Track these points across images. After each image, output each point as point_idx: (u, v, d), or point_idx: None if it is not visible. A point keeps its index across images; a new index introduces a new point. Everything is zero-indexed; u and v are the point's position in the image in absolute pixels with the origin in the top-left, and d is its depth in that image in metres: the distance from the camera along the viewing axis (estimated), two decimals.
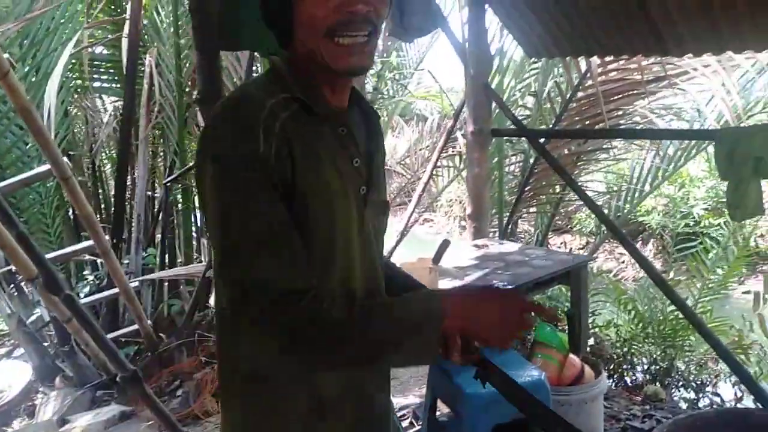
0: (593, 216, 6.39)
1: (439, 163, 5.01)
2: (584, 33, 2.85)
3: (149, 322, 3.18)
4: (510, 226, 4.67)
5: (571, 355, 2.19)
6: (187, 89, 3.94)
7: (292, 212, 0.82)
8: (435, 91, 7.80)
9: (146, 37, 4.08)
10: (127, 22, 3.67)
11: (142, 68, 3.95)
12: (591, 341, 3.54)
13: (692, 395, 3.43)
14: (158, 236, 4.35)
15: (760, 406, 2.42)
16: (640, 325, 3.70)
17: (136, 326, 3.13)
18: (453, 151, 5.50)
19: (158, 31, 4.02)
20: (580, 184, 3.95)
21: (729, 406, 3.16)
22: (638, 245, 8.59)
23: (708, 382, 3.57)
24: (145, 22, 3.96)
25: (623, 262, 8.73)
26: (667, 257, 7.59)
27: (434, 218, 11.59)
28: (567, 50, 3.14)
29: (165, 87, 3.92)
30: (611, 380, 3.41)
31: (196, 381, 2.87)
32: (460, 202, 9.91)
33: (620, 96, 3.83)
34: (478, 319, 0.86)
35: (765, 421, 1.55)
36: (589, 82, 3.98)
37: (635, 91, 3.79)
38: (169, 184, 3.94)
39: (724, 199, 2.43)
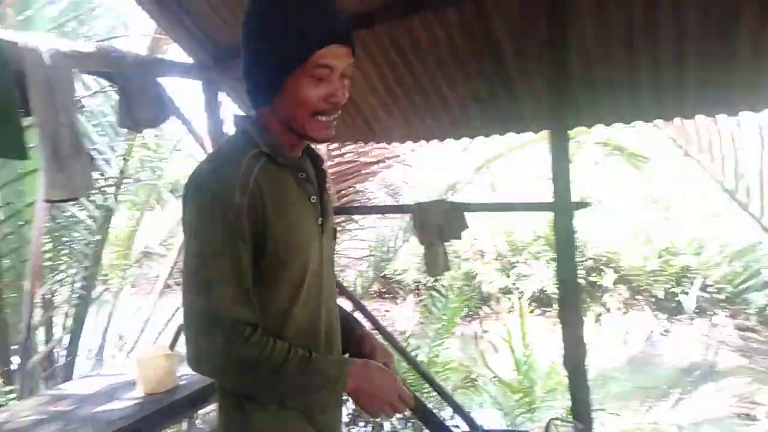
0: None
1: None
2: None
3: None
4: None
5: None
6: None
7: (266, 249, 1.09)
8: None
9: None
10: None
11: None
12: None
13: None
14: None
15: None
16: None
17: None
18: None
19: None
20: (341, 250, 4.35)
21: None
22: (401, 301, 9.52)
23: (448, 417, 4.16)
24: None
25: (389, 319, 9.61)
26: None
27: None
28: None
29: None
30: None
31: None
32: None
33: (353, 176, 4.44)
34: (366, 391, 1.14)
35: None
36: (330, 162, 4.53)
37: (363, 171, 4.44)
38: None
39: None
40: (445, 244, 2.87)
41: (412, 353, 4.23)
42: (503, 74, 2.66)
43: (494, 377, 4.24)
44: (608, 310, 7.79)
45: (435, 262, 2.84)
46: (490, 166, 5.84)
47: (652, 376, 6.46)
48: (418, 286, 9.27)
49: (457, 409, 2.98)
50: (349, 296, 3.23)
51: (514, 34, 2.45)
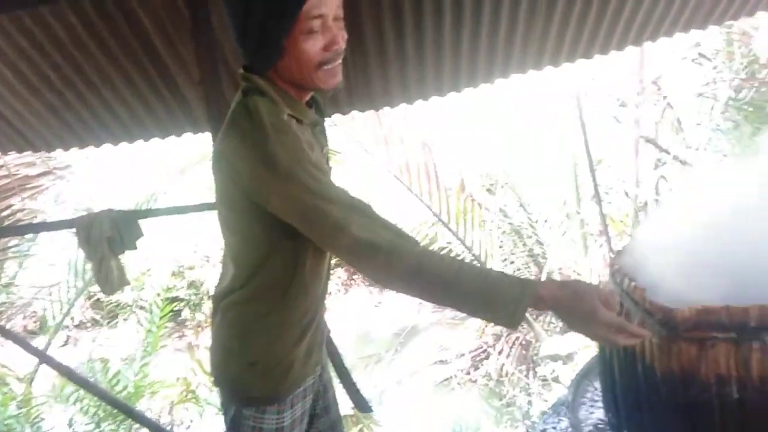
0: None
1: None
2: None
3: None
4: None
5: None
6: None
7: None
8: None
9: None
10: None
11: None
12: None
13: None
14: None
15: None
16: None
17: None
18: None
19: None
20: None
21: None
22: (122, 323, 8.60)
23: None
24: None
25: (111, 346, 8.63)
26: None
27: None
28: None
29: None
30: None
31: None
32: None
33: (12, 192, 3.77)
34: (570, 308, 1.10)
35: None
36: None
37: (29, 186, 3.81)
38: None
39: None
40: (120, 257, 2.63)
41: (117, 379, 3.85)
42: (163, 71, 2.55)
43: None
44: (330, 293, 8.32)
45: (107, 279, 2.58)
46: (194, 170, 5.64)
47: (372, 344, 7.14)
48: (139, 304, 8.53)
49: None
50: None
51: (161, 26, 2.35)
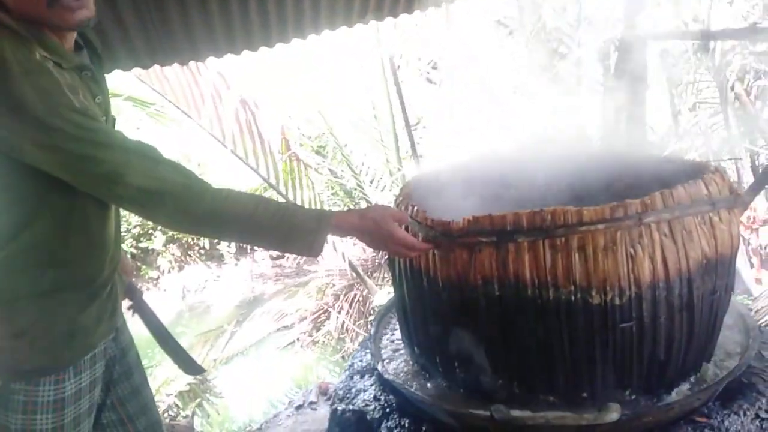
0: None
1: None
2: None
3: None
4: None
5: None
6: None
7: None
8: None
9: None
10: None
11: None
12: None
13: None
14: None
15: None
16: None
17: None
18: None
19: None
20: None
21: None
22: None
23: None
24: None
25: None
26: None
27: None
28: None
29: None
30: None
31: None
32: None
33: None
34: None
35: None
36: None
37: None
38: None
39: None
40: None
41: None
42: None
43: None
44: (163, 272, 7.87)
45: None
46: None
47: (211, 319, 6.93)
48: None
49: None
50: None
51: None
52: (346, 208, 5.19)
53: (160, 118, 5.23)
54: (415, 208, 1.45)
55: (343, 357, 5.45)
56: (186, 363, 1.57)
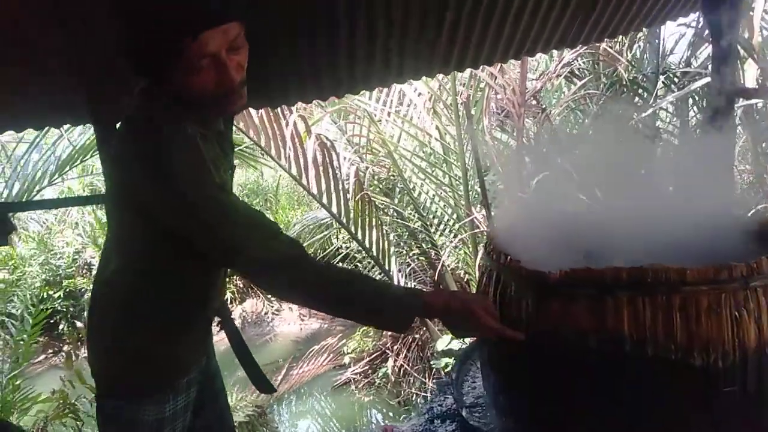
0: None
1: None
2: None
3: None
4: None
5: None
6: None
7: None
8: None
9: None
10: None
11: None
12: None
13: None
14: None
15: None
16: None
17: None
18: None
19: None
20: None
21: None
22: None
23: None
24: None
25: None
26: None
27: None
28: None
29: None
30: None
31: None
32: None
33: None
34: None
35: None
36: None
37: None
38: None
39: None
40: None
41: None
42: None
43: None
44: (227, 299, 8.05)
45: None
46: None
47: (267, 353, 7.02)
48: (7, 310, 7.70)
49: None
50: None
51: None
52: (410, 250, 5.23)
53: (245, 158, 5.53)
54: (508, 257, 1.46)
55: (399, 402, 5.37)
56: (260, 381, 1.61)
